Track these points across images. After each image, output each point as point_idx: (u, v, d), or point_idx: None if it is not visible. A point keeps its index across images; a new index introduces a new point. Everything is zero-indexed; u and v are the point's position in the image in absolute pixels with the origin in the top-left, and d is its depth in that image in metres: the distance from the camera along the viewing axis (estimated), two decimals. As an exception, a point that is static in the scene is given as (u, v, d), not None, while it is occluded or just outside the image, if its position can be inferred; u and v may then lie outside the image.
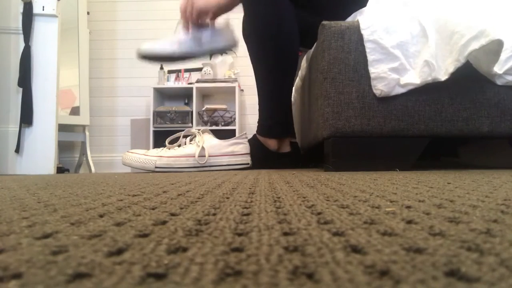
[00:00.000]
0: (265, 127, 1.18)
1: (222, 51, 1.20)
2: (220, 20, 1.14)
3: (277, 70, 1.10)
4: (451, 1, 0.80)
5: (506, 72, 0.78)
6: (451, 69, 0.72)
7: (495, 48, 0.70)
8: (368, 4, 0.88)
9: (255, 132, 1.22)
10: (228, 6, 1.11)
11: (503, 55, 0.75)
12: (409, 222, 0.19)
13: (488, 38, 0.67)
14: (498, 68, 0.77)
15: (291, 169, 1.15)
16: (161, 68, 2.66)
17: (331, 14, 0.94)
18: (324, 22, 0.84)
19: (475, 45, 0.68)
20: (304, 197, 0.30)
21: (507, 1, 0.84)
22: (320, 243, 0.15)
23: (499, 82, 0.79)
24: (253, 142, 1.18)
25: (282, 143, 1.19)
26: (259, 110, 1.20)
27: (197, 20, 1.10)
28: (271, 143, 1.18)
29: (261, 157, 1.17)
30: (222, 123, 2.52)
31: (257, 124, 1.21)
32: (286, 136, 1.20)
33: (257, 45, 1.11)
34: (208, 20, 1.11)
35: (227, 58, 2.63)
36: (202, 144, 1.10)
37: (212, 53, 1.33)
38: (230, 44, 1.15)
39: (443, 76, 0.74)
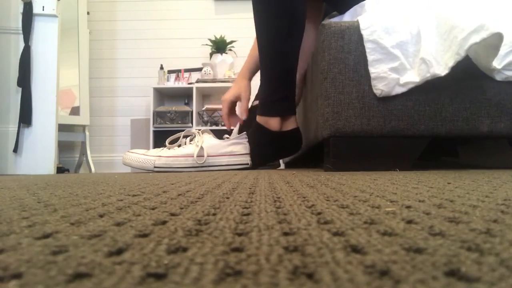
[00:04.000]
0: (267, 104, 1.09)
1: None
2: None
3: (284, 37, 1.02)
4: None
5: (505, 68, 0.78)
6: (450, 63, 0.72)
7: (495, 42, 0.70)
8: (369, 2, 0.88)
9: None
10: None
11: (502, 50, 0.75)
12: (409, 222, 0.19)
13: (488, 31, 0.68)
14: (497, 63, 0.77)
15: (294, 151, 1.13)
16: (161, 68, 2.66)
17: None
18: (324, 22, 0.84)
19: (476, 39, 0.68)
20: (304, 197, 0.30)
21: None
22: (320, 243, 0.15)
23: (498, 77, 0.79)
24: (253, 128, 1.12)
25: (284, 122, 1.10)
26: (261, 89, 1.12)
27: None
28: (273, 123, 1.09)
29: (264, 141, 1.10)
30: (222, 123, 2.52)
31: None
32: (290, 114, 1.11)
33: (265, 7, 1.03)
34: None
35: (227, 58, 2.63)
36: (201, 144, 1.10)
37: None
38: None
39: (443, 71, 0.74)
